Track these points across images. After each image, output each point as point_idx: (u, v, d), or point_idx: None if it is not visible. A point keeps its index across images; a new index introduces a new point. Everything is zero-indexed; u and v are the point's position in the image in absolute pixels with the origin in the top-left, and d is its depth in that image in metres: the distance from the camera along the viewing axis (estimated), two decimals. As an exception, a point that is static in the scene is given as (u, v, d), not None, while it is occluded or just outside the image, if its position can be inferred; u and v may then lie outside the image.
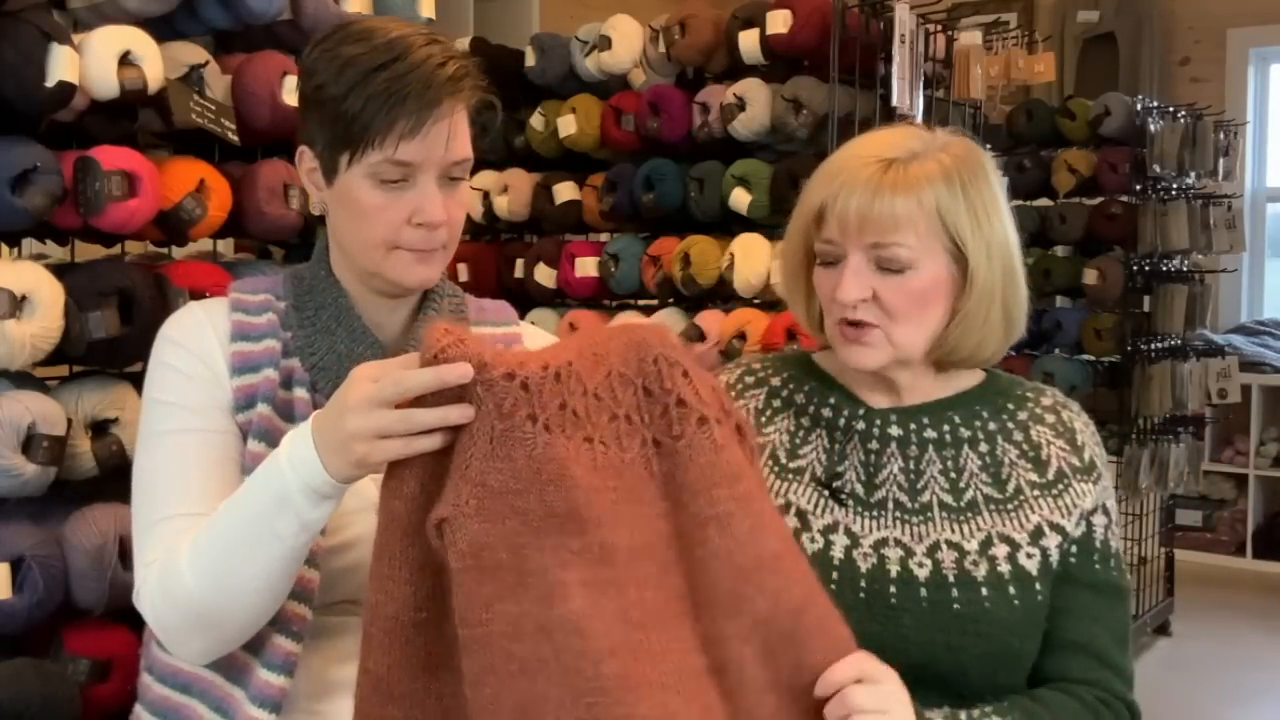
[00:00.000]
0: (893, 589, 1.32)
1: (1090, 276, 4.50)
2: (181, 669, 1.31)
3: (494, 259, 3.68)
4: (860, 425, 1.40)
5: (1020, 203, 4.63)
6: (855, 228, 1.31)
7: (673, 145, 3.27)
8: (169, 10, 2.05)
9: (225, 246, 2.47)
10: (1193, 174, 4.58)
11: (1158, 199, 4.46)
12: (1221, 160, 4.72)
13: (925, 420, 1.40)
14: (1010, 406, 1.42)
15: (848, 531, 1.35)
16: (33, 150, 1.82)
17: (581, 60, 3.40)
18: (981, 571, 1.32)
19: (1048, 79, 3.89)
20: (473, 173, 1.42)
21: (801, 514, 1.37)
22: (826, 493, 1.38)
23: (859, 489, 1.38)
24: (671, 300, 3.34)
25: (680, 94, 3.25)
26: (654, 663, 1.06)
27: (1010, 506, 1.36)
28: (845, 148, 1.38)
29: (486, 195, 3.61)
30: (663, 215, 3.29)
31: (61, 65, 1.79)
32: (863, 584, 1.32)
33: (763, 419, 1.44)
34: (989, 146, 1.42)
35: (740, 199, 3.09)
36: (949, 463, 1.38)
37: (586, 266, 3.39)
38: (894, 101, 2.94)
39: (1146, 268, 4.49)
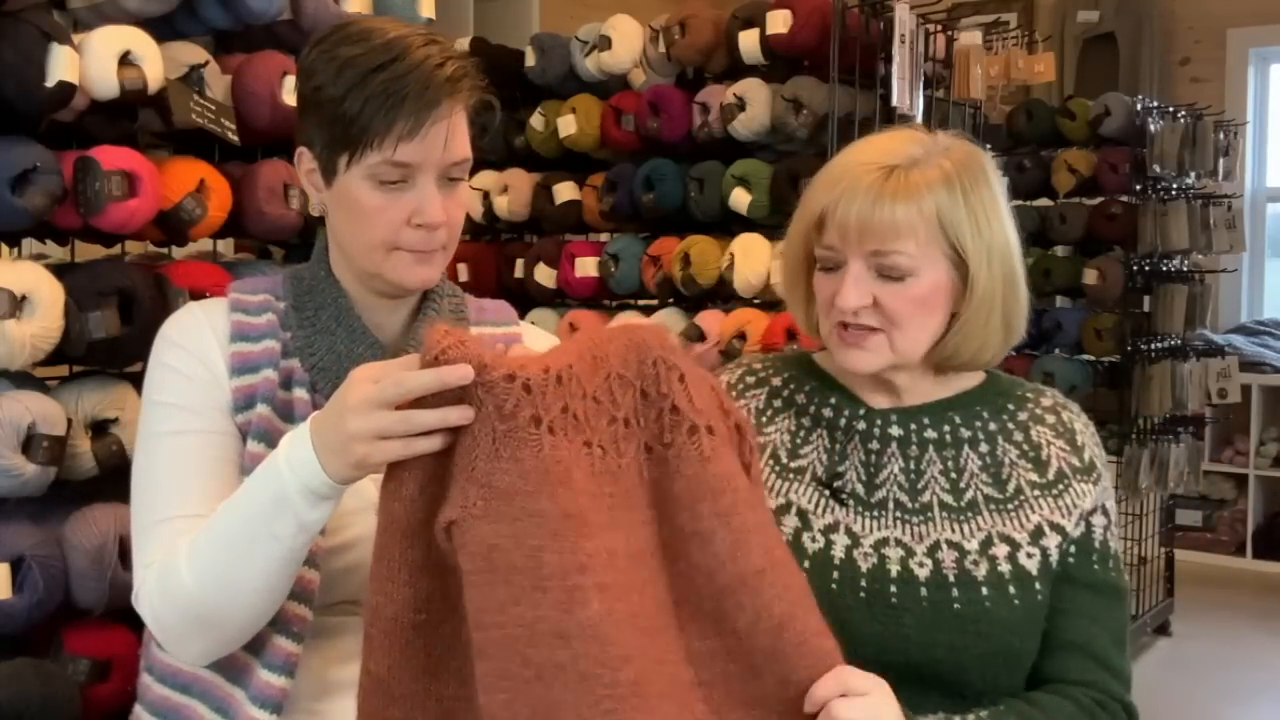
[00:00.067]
0: (893, 589, 1.32)
1: (1090, 276, 4.50)
2: (181, 669, 1.31)
3: (494, 259, 3.68)
4: (861, 425, 1.40)
5: (1020, 203, 4.63)
6: (856, 235, 1.31)
7: (673, 145, 3.27)
8: (169, 10, 2.05)
9: (225, 246, 2.47)
10: (1193, 174, 4.58)
11: (1158, 199, 4.47)
12: (1221, 160, 4.72)
13: (926, 420, 1.40)
14: (1010, 407, 1.42)
15: (848, 531, 1.35)
16: (33, 150, 1.82)
17: (581, 60, 3.40)
18: (982, 571, 1.32)
19: (1048, 79, 3.89)
20: (473, 173, 1.42)
21: (802, 513, 1.37)
22: (827, 492, 1.38)
23: (859, 489, 1.38)
24: (671, 300, 3.34)
25: (680, 94, 3.25)
26: (659, 671, 1.06)
27: (1010, 506, 1.36)
28: (846, 153, 1.38)
29: (486, 195, 3.61)
30: (663, 215, 3.29)
31: (61, 65, 1.79)
32: (863, 584, 1.32)
33: (763, 419, 1.44)
34: (989, 146, 1.42)
35: (740, 199, 3.09)
36: (949, 463, 1.38)
37: (586, 266, 3.39)
38: (894, 101, 2.93)
39: (1146, 268, 4.49)
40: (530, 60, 3.52)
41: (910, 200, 1.30)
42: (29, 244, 2.19)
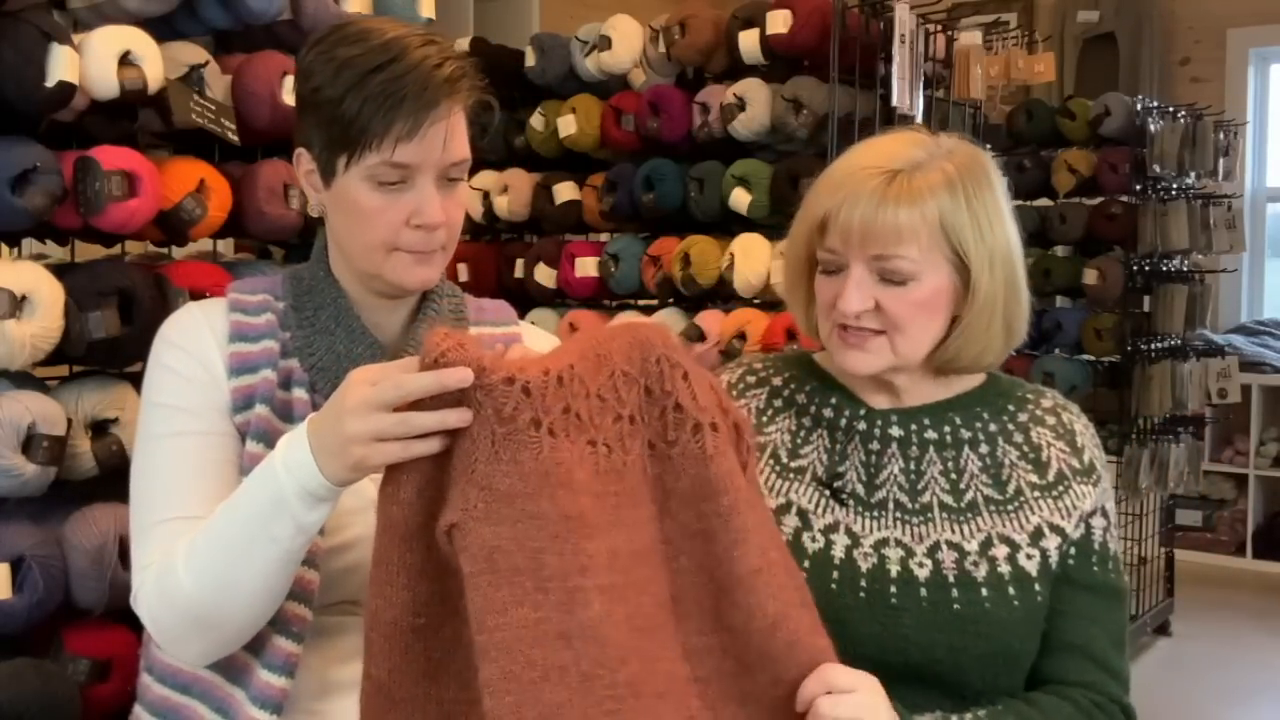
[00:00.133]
0: (893, 589, 1.32)
1: (1090, 276, 4.50)
2: (181, 669, 1.31)
3: (494, 259, 3.68)
4: (861, 425, 1.40)
5: (1020, 203, 4.63)
6: (858, 239, 1.31)
7: (673, 145, 3.27)
8: (169, 10, 2.05)
9: (225, 246, 2.47)
10: (1193, 174, 4.58)
11: (1158, 199, 4.46)
12: (1221, 160, 4.71)
13: (926, 421, 1.40)
14: (1011, 408, 1.42)
15: (848, 531, 1.36)
16: (33, 150, 1.82)
17: (581, 60, 3.40)
18: (982, 572, 1.32)
19: (1048, 79, 3.89)
20: (473, 173, 1.42)
21: (803, 513, 1.37)
22: (827, 492, 1.38)
23: (860, 489, 1.38)
24: (671, 300, 3.34)
25: (680, 94, 3.25)
26: (654, 670, 1.06)
27: (1010, 507, 1.36)
28: (848, 156, 1.37)
29: (486, 195, 3.61)
30: (663, 215, 3.29)
31: (61, 65, 1.79)
32: (863, 584, 1.32)
33: (764, 418, 1.44)
34: (989, 146, 1.42)
35: (740, 199, 3.09)
36: (949, 463, 1.38)
37: (586, 266, 3.39)
38: (894, 101, 2.93)
39: (1146, 268, 4.49)
40: (530, 60, 3.52)
41: (913, 205, 1.29)
42: (29, 244, 2.19)
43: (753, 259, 3.01)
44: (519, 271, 3.54)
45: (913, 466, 1.38)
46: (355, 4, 2.21)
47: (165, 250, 2.30)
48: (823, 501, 1.38)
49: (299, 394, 1.32)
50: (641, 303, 3.51)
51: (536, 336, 1.49)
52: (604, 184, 3.39)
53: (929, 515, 1.36)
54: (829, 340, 1.38)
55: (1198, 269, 4.74)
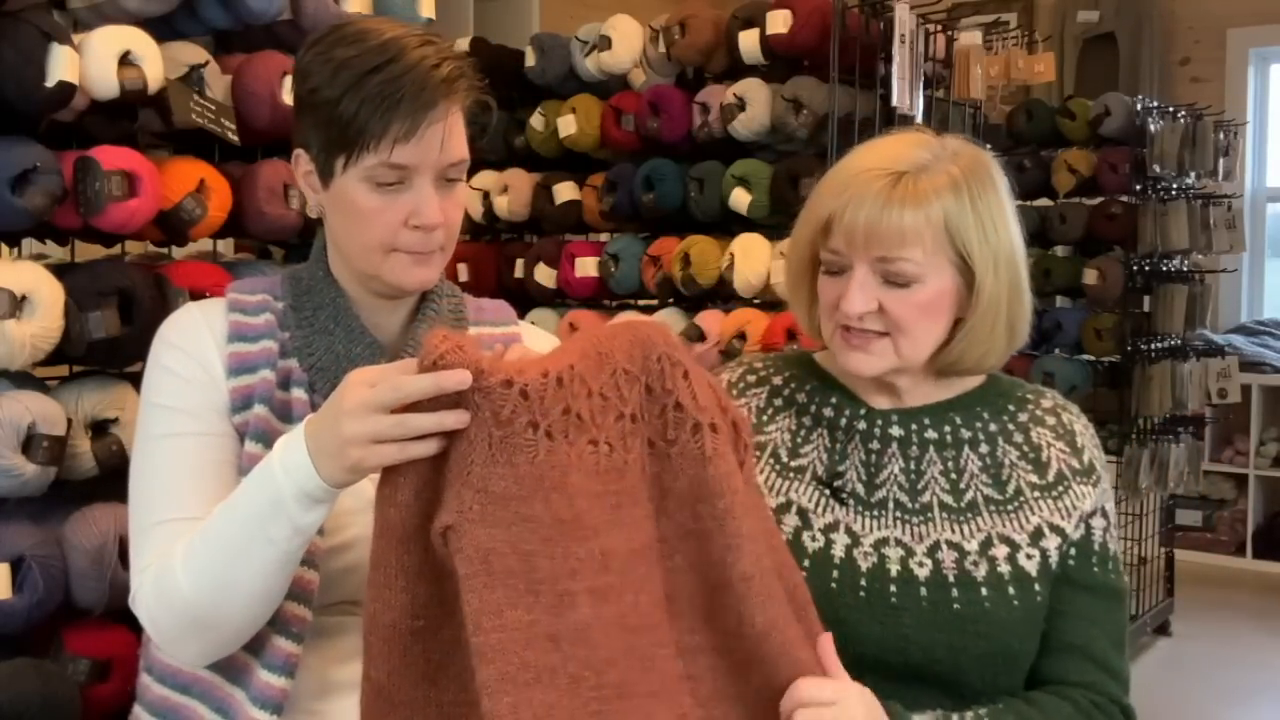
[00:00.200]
0: (893, 588, 1.32)
1: (1090, 276, 4.50)
2: (181, 670, 1.31)
3: (494, 259, 3.68)
4: (861, 425, 1.40)
5: (1020, 203, 4.60)
6: (863, 241, 1.30)
7: (673, 145, 3.26)
8: (169, 10, 2.05)
9: (225, 246, 2.47)
10: (1193, 174, 4.58)
11: (1158, 199, 4.46)
12: (1221, 160, 4.71)
13: (926, 421, 1.40)
14: (1011, 408, 1.42)
15: (848, 530, 1.36)
16: (33, 150, 1.82)
17: (581, 60, 3.40)
18: (981, 572, 1.32)
19: (1048, 79, 3.89)
20: (473, 173, 1.42)
21: (803, 512, 1.37)
22: (827, 492, 1.38)
23: (860, 488, 1.38)
24: (671, 300, 3.34)
25: (680, 94, 3.25)
26: (644, 669, 1.07)
27: (1010, 508, 1.36)
28: (854, 156, 1.37)
29: (486, 195, 3.61)
30: (663, 215, 3.29)
31: (61, 65, 1.79)
32: (863, 583, 1.33)
33: (764, 417, 1.44)
34: (989, 146, 1.41)
35: (740, 199, 3.09)
36: (949, 463, 1.38)
37: (586, 266, 3.39)
38: (894, 101, 2.93)
39: (1146, 268, 4.49)
40: (530, 60, 3.52)
41: (918, 207, 1.29)
42: (29, 244, 2.19)
43: (753, 259, 3.01)
44: (519, 271, 3.54)
45: (913, 466, 1.38)
46: (355, 4, 2.21)
47: (165, 250, 2.30)
48: (823, 501, 1.38)
49: (298, 394, 1.32)
50: (641, 303, 3.51)
51: (536, 336, 1.49)
52: (604, 184, 3.39)
53: (929, 515, 1.36)
54: (832, 341, 1.38)
55: (1198, 269, 4.74)
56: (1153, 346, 4.51)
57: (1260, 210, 6.19)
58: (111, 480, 1.84)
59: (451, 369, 1.05)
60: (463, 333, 1.38)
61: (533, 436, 1.06)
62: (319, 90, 1.27)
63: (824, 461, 1.40)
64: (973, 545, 1.34)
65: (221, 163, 2.11)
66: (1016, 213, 1.38)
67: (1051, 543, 1.35)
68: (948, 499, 1.36)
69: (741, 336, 3.00)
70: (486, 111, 1.34)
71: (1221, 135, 4.73)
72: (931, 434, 1.39)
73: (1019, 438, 1.40)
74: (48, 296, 1.80)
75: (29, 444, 1.77)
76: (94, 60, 1.85)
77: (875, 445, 1.39)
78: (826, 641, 1.17)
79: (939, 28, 3.18)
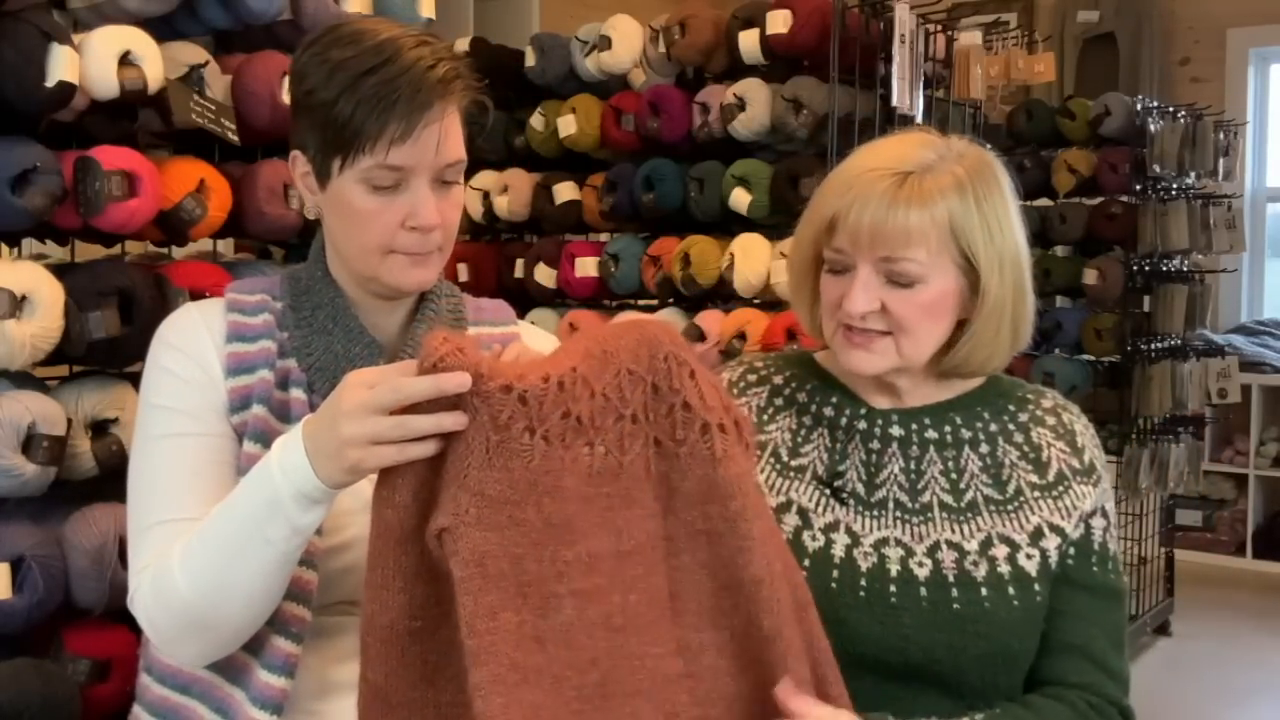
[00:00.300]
0: (893, 588, 1.32)
1: (1090, 276, 4.50)
2: (181, 670, 1.31)
3: (494, 259, 3.67)
4: (862, 425, 1.40)
5: (1020, 203, 4.62)
6: (867, 241, 1.30)
7: (673, 145, 3.26)
8: (169, 10, 2.05)
9: (225, 246, 2.47)
10: (1193, 174, 4.58)
11: (1158, 199, 4.46)
12: (1221, 160, 4.71)
13: (926, 421, 1.40)
14: (1011, 408, 1.42)
15: (848, 530, 1.36)
16: (33, 150, 1.82)
17: (581, 60, 3.40)
18: (981, 572, 1.32)
19: (1048, 79, 3.89)
20: (473, 173, 1.42)
21: (803, 511, 1.37)
22: (828, 491, 1.38)
23: (860, 488, 1.38)
24: (671, 300, 3.34)
25: (680, 94, 3.25)
26: (630, 668, 1.07)
27: (1010, 507, 1.36)
28: (858, 156, 1.37)
29: (486, 195, 3.61)
30: (663, 215, 3.29)
31: (61, 65, 1.79)
32: (863, 583, 1.33)
33: (764, 417, 1.44)
34: (989, 147, 1.41)
35: (740, 199, 3.09)
36: (950, 463, 1.38)
37: (586, 266, 3.39)
38: (894, 101, 2.94)
39: (1146, 268, 4.49)
40: (530, 60, 3.52)
41: (923, 207, 1.29)
42: (29, 244, 2.19)
43: (753, 259, 3.01)
44: (519, 271, 3.54)
45: (913, 466, 1.38)
46: (355, 4, 2.21)
47: (165, 250, 2.31)
48: (823, 500, 1.38)
49: (296, 394, 1.32)
50: (641, 303, 3.51)
51: (536, 336, 1.48)
52: (604, 184, 3.39)
53: (929, 515, 1.36)
54: (834, 340, 1.38)
55: (1198, 269, 4.74)
56: (1153, 346, 4.51)
57: (1260, 210, 6.19)
58: (111, 480, 1.84)
59: (451, 371, 1.05)
60: (462, 334, 1.38)
61: (529, 442, 1.06)
62: (315, 92, 1.27)
63: (824, 461, 1.40)
64: (973, 545, 1.34)
65: (221, 163, 2.11)
66: (1021, 214, 1.37)
67: (1051, 543, 1.35)
68: (948, 499, 1.36)
69: (741, 336, 3.01)
70: (484, 112, 1.34)
71: (1221, 135, 4.73)
72: (932, 434, 1.39)
73: (1019, 438, 1.40)
74: (48, 296, 1.80)
75: (29, 444, 1.77)
76: (94, 60, 1.85)
77: (875, 445, 1.39)
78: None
79: (939, 28, 3.18)
